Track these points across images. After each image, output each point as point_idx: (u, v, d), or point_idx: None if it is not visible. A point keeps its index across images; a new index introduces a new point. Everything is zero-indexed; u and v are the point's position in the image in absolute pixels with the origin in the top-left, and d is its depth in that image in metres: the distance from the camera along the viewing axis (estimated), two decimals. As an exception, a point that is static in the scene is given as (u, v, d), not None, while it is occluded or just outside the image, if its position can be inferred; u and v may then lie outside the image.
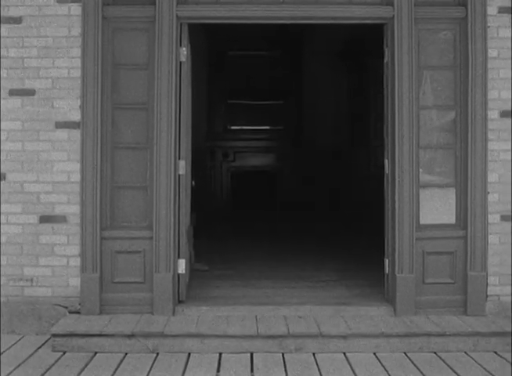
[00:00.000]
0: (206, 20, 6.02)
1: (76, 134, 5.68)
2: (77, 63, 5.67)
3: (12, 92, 5.69)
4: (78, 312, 5.64)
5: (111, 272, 5.69)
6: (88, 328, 5.24)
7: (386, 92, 5.89)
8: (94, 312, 5.61)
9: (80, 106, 5.66)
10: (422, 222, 5.73)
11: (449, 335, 5.20)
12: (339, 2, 5.77)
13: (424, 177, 5.77)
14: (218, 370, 4.77)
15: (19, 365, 4.86)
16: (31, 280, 5.70)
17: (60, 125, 5.69)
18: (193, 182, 6.61)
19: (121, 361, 4.95)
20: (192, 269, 6.61)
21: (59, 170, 5.69)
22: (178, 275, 5.81)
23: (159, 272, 5.65)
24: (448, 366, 4.87)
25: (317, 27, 9.33)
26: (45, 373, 4.71)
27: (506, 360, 5.00)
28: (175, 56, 5.69)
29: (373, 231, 6.71)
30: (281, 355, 5.09)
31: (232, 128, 13.34)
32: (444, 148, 5.81)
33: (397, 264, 5.68)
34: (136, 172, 5.75)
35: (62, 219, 5.70)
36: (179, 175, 5.82)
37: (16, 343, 5.40)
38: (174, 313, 5.64)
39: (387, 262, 5.88)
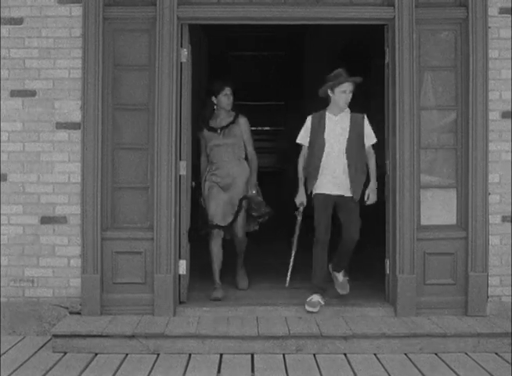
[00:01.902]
0: (206, 21, 6.02)
1: (77, 135, 5.68)
2: (78, 63, 5.67)
3: (13, 93, 5.69)
4: (79, 313, 5.64)
5: (112, 273, 5.69)
6: (89, 329, 5.24)
7: (387, 92, 5.88)
8: (95, 312, 5.61)
9: (80, 107, 5.66)
10: (423, 222, 5.73)
11: (450, 336, 5.20)
12: (340, 3, 5.77)
13: (425, 178, 5.77)
14: (219, 371, 4.77)
15: (19, 366, 4.86)
16: (32, 280, 5.70)
17: (61, 126, 5.69)
18: (193, 183, 6.53)
19: (122, 362, 4.95)
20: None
21: (60, 171, 5.70)
22: (179, 276, 5.81)
23: (160, 273, 5.65)
24: (449, 366, 4.86)
25: (318, 28, 9.32)
26: (46, 374, 4.71)
27: (507, 361, 4.99)
28: (176, 57, 5.69)
29: (374, 231, 6.69)
30: (282, 356, 5.09)
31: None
32: (445, 149, 5.81)
33: (398, 265, 5.67)
34: (137, 173, 5.75)
35: (62, 220, 5.70)
36: (180, 176, 5.82)
37: (16, 344, 5.41)
38: (174, 314, 5.64)
39: (387, 262, 5.87)
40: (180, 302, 5.79)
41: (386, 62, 5.90)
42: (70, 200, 5.69)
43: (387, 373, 4.73)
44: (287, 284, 5.75)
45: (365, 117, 5.72)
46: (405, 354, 5.13)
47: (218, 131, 6.19)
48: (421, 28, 5.74)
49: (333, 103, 5.71)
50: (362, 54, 9.93)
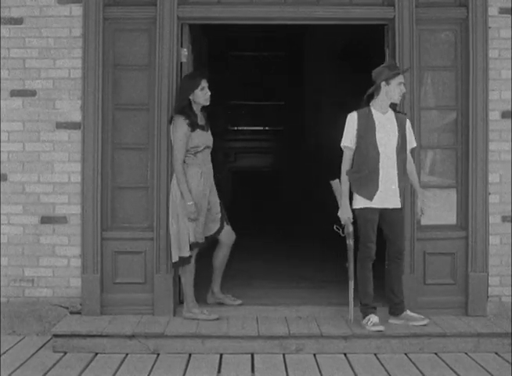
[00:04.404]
0: (207, 21, 6.03)
1: (77, 134, 5.68)
2: (78, 63, 5.67)
3: (13, 93, 5.69)
4: (79, 313, 5.64)
5: (112, 273, 5.69)
6: (89, 329, 5.24)
7: (387, 92, 5.88)
8: (95, 312, 5.61)
9: (81, 107, 5.66)
10: (423, 222, 5.73)
11: (450, 336, 5.20)
12: (340, 3, 5.77)
13: (425, 177, 5.77)
14: (219, 371, 4.77)
15: (20, 366, 4.86)
16: (32, 280, 5.70)
17: (61, 126, 5.69)
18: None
19: (122, 362, 4.95)
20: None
21: (60, 170, 5.69)
22: (179, 276, 5.80)
23: (160, 272, 5.65)
24: (449, 366, 4.86)
25: (318, 28, 9.32)
26: (46, 373, 4.71)
27: (507, 361, 4.99)
28: (176, 57, 5.69)
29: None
30: (282, 355, 5.09)
31: (233, 128, 13.36)
32: (445, 149, 5.81)
33: (398, 265, 5.67)
34: (137, 173, 5.75)
35: (63, 220, 5.70)
36: (180, 176, 5.81)
37: (16, 344, 5.40)
38: (175, 314, 5.64)
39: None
40: (180, 302, 5.78)
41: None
42: (70, 200, 5.69)
43: (388, 373, 4.72)
44: (352, 319, 5.37)
45: (407, 118, 5.41)
46: (405, 354, 5.12)
47: (208, 131, 5.59)
48: (421, 28, 5.74)
49: (384, 97, 5.24)
50: (362, 54, 9.93)
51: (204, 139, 5.52)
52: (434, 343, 5.18)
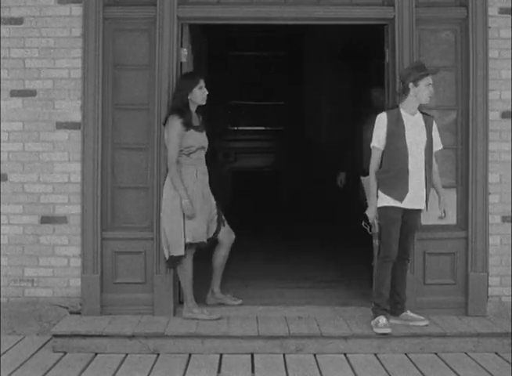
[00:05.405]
0: (207, 21, 6.02)
1: (77, 134, 5.68)
2: (78, 63, 5.67)
3: (13, 93, 5.69)
4: (79, 313, 5.63)
5: (112, 273, 5.69)
6: (89, 329, 5.24)
7: (387, 92, 5.88)
8: (95, 312, 5.60)
9: (81, 107, 5.66)
10: (423, 222, 5.72)
11: (450, 336, 5.20)
12: (340, 3, 5.77)
13: (425, 178, 5.76)
14: (219, 371, 4.77)
15: (19, 366, 4.86)
16: (32, 280, 5.70)
17: (61, 126, 5.69)
18: None
19: (122, 362, 4.95)
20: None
21: (60, 170, 5.69)
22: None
23: (160, 272, 5.65)
24: (449, 366, 4.86)
25: (318, 28, 9.32)
26: (46, 373, 4.71)
27: (507, 361, 4.99)
28: (176, 57, 5.69)
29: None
30: (282, 355, 5.08)
31: (233, 128, 13.34)
32: (445, 149, 5.77)
33: (398, 265, 5.66)
34: (137, 173, 5.74)
35: (63, 220, 5.70)
36: (180, 176, 5.80)
37: (16, 344, 5.40)
38: (175, 314, 5.64)
39: (387, 262, 5.86)
40: (180, 302, 5.78)
41: (386, 62, 5.90)
42: (70, 200, 5.69)
43: (388, 373, 4.72)
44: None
45: (434, 119, 5.37)
46: (406, 354, 5.12)
47: (203, 132, 5.62)
48: (421, 28, 5.73)
49: (413, 98, 5.21)
50: (362, 54, 9.93)
51: (199, 139, 5.53)
52: (434, 343, 5.18)
